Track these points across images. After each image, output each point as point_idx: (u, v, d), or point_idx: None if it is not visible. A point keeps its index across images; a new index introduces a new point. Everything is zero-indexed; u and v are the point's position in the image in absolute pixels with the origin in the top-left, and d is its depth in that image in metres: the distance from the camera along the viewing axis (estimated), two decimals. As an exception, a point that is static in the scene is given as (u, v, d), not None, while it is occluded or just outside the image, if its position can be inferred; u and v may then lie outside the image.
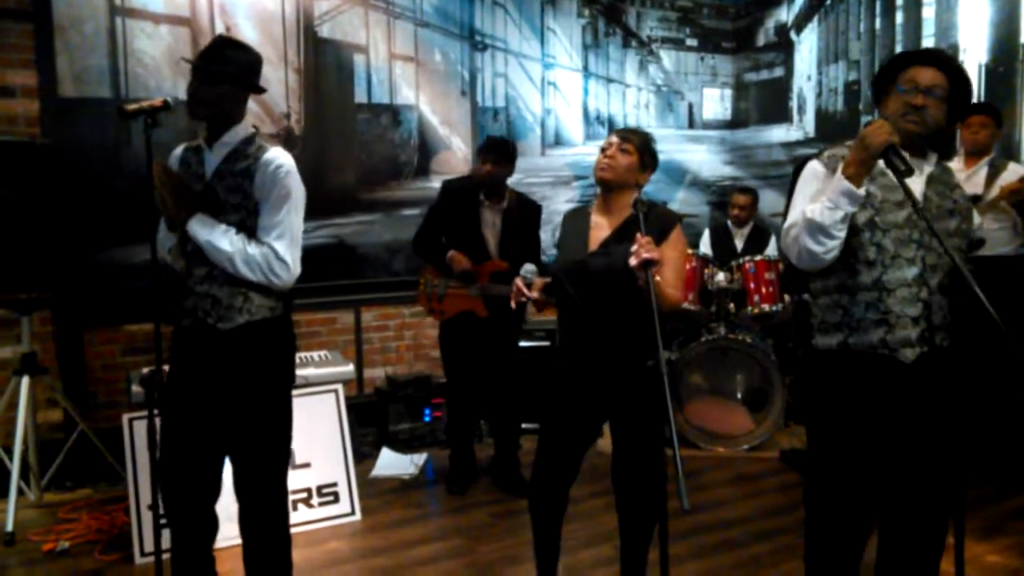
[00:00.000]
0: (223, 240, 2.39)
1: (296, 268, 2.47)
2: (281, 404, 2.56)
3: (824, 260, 2.11)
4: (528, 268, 2.56)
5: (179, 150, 2.60)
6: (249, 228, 2.44)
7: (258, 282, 2.43)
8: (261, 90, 2.54)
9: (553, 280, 2.57)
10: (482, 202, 3.85)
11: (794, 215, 2.16)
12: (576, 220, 2.64)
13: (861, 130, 2.05)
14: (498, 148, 3.81)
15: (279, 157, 2.46)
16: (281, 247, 2.42)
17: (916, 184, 2.14)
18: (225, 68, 2.42)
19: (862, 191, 2.05)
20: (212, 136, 2.49)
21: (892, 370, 2.15)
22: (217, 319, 2.44)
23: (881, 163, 2.07)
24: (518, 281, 2.56)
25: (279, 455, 2.57)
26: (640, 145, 2.54)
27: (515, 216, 3.87)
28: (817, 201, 2.08)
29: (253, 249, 2.41)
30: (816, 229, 2.05)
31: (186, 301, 2.49)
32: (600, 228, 2.56)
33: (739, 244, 5.15)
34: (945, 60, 2.20)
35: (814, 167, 2.23)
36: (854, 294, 2.17)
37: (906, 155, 2.03)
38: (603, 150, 2.56)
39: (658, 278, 2.28)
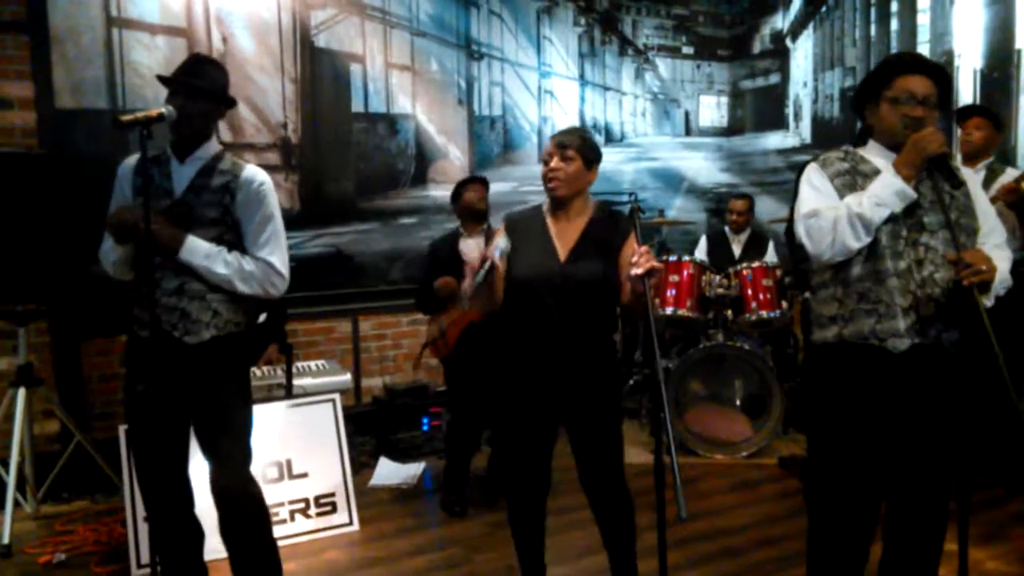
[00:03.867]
0: (217, 263, 2.44)
1: (288, 277, 2.57)
2: (245, 410, 2.61)
3: (853, 254, 2.17)
4: (501, 244, 2.44)
5: (132, 160, 2.57)
6: (228, 242, 2.50)
7: (254, 295, 2.51)
8: (233, 104, 2.62)
9: (519, 288, 2.52)
10: (460, 235, 3.84)
11: (810, 206, 2.20)
12: (529, 227, 2.58)
13: (912, 136, 2.14)
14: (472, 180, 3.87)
15: (259, 174, 2.56)
16: (277, 261, 2.53)
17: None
18: (208, 84, 2.49)
19: (912, 192, 2.13)
20: (184, 150, 2.52)
21: (883, 361, 2.17)
22: (184, 332, 2.47)
23: (870, 162, 2.20)
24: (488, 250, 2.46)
25: (246, 460, 2.61)
26: (580, 146, 2.50)
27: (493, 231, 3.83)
28: (860, 197, 2.14)
29: (249, 265, 2.49)
30: (862, 224, 2.12)
31: (146, 312, 2.43)
32: (563, 236, 2.54)
33: (737, 250, 5.15)
34: (934, 67, 2.25)
35: (815, 167, 2.31)
36: (848, 285, 2.22)
37: (957, 168, 2.19)
38: (545, 162, 2.52)
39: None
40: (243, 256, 2.49)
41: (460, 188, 3.89)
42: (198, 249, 2.42)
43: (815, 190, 2.25)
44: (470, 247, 3.83)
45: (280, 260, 2.54)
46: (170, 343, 2.46)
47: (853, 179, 2.23)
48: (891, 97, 2.20)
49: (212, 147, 2.56)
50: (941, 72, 2.25)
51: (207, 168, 2.51)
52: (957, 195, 2.20)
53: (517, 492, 2.66)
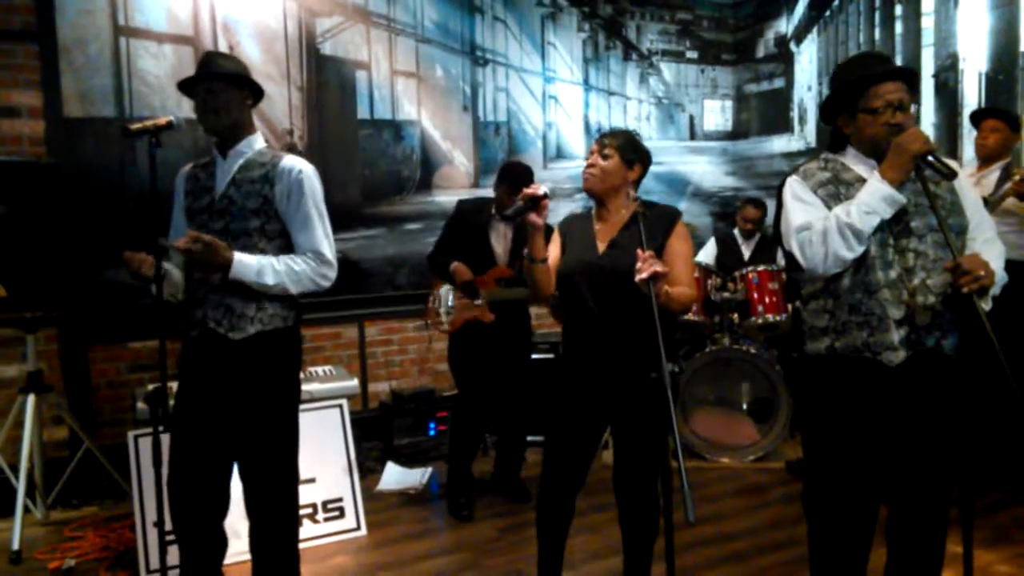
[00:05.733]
0: (267, 276, 2.42)
1: (336, 264, 2.56)
2: (289, 416, 2.57)
3: (848, 264, 2.13)
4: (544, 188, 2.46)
5: (187, 167, 2.65)
6: (269, 231, 2.49)
7: (306, 291, 2.51)
8: (259, 90, 2.59)
9: (562, 283, 2.57)
10: (493, 215, 3.89)
11: (802, 219, 2.16)
12: (577, 225, 2.65)
13: (895, 139, 2.08)
14: (517, 177, 3.80)
15: (299, 162, 2.53)
16: (324, 249, 2.53)
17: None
18: (221, 71, 2.48)
19: (902, 197, 2.08)
20: (225, 147, 2.52)
21: (877, 374, 2.14)
22: (229, 328, 2.45)
23: (852, 170, 2.17)
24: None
25: (289, 468, 2.57)
26: (621, 144, 2.56)
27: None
28: (848, 206, 2.09)
29: (298, 265, 2.47)
30: (853, 234, 2.07)
31: (196, 311, 2.49)
32: (604, 232, 2.58)
33: (746, 253, 5.15)
34: (902, 70, 2.22)
35: (797, 179, 2.26)
36: (838, 297, 2.19)
37: (946, 160, 2.09)
38: (586, 158, 2.60)
39: (667, 288, 2.33)
40: (292, 256, 2.48)
41: (505, 179, 3.82)
42: (248, 269, 2.40)
43: (802, 202, 2.20)
44: (499, 235, 3.88)
45: (328, 247, 2.53)
46: (216, 341, 2.45)
47: (836, 188, 2.19)
48: (868, 108, 2.15)
49: (255, 141, 2.55)
50: (910, 74, 2.22)
51: (249, 162, 2.51)
52: (942, 194, 2.15)
53: (551, 487, 2.63)
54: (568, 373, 2.61)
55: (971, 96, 4.88)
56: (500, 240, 3.89)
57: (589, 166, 2.57)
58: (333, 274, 2.55)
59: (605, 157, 2.55)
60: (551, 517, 2.66)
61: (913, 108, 2.26)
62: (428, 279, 4.06)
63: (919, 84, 2.29)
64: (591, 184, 2.57)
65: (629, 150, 2.57)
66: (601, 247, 2.56)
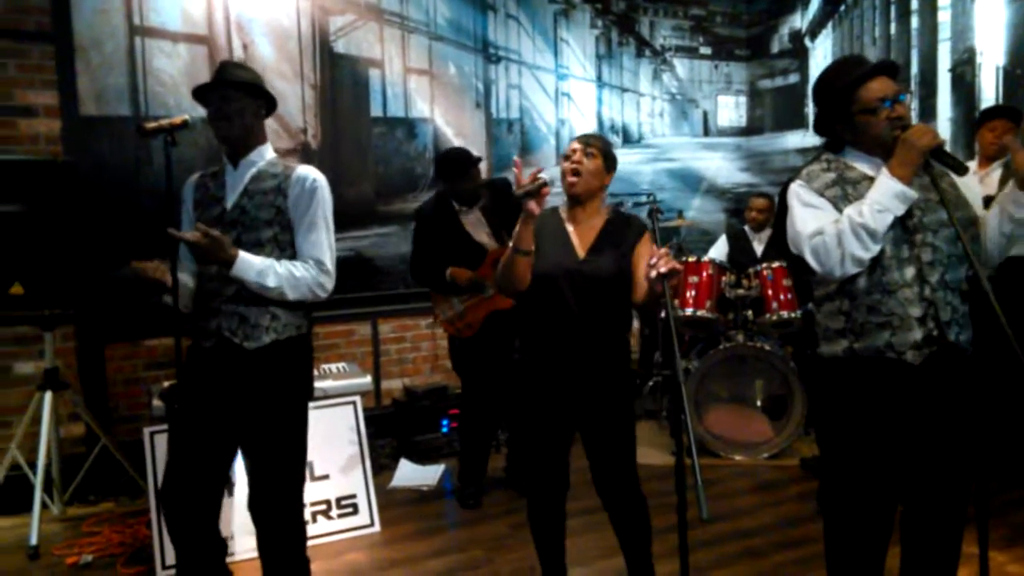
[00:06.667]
0: (269, 277, 2.42)
1: (334, 277, 2.55)
2: (300, 422, 2.57)
3: (865, 265, 2.10)
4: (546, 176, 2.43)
5: (194, 177, 2.63)
6: (282, 242, 2.49)
7: (302, 299, 2.49)
8: (273, 102, 2.59)
9: (539, 284, 2.53)
10: (459, 210, 3.85)
11: (813, 225, 2.13)
12: (548, 225, 2.60)
13: (903, 135, 2.06)
14: (452, 161, 3.82)
15: (311, 172, 2.53)
16: (326, 260, 2.51)
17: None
18: (236, 79, 2.48)
19: (913, 192, 2.05)
20: (236, 156, 2.52)
21: (900, 373, 2.12)
22: (244, 338, 2.45)
23: (855, 168, 2.17)
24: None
25: (297, 474, 2.58)
26: (604, 149, 2.57)
27: (492, 204, 3.87)
28: (860, 206, 2.06)
29: (299, 271, 2.46)
30: (868, 234, 2.04)
31: (209, 321, 2.49)
32: (581, 235, 2.58)
33: (759, 248, 5.12)
34: (885, 65, 2.20)
35: (801, 184, 2.22)
36: (855, 298, 2.16)
37: (953, 154, 2.08)
38: (567, 157, 2.56)
39: (644, 287, 2.36)
40: (294, 262, 2.48)
41: (457, 170, 3.78)
42: (250, 266, 2.40)
43: (810, 207, 2.17)
44: (473, 225, 3.86)
45: (329, 257, 2.52)
46: (230, 350, 2.46)
47: (843, 189, 2.16)
48: (865, 109, 2.13)
49: (266, 151, 2.55)
50: (891, 65, 2.20)
51: (261, 172, 2.51)
52: (946, 187, 2.12)
53: (536, 492, 2.67)
54: (535, 374, 2.59)
55: (988, 91, 4.83)
56: (477, 229, 3.86)
57: (575, 164, 2.53)
58: (331, 285, 2.53)
59: (589, 156, 2.54)
60: (542, 523, 2.68)
61: (908, 97, 2.22)
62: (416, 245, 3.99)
63: (898, 73, 2.26)
64: (579, 188, 2.54)
65: (609, 156, 2.59)
66: (581, 252, 2.55)
